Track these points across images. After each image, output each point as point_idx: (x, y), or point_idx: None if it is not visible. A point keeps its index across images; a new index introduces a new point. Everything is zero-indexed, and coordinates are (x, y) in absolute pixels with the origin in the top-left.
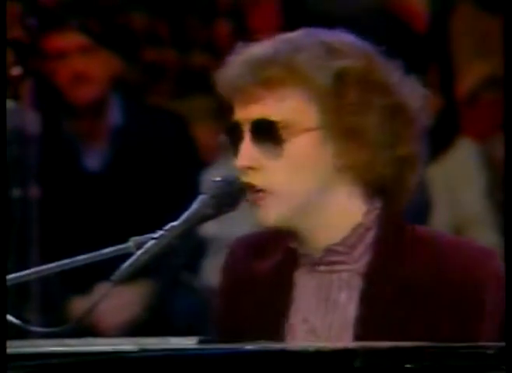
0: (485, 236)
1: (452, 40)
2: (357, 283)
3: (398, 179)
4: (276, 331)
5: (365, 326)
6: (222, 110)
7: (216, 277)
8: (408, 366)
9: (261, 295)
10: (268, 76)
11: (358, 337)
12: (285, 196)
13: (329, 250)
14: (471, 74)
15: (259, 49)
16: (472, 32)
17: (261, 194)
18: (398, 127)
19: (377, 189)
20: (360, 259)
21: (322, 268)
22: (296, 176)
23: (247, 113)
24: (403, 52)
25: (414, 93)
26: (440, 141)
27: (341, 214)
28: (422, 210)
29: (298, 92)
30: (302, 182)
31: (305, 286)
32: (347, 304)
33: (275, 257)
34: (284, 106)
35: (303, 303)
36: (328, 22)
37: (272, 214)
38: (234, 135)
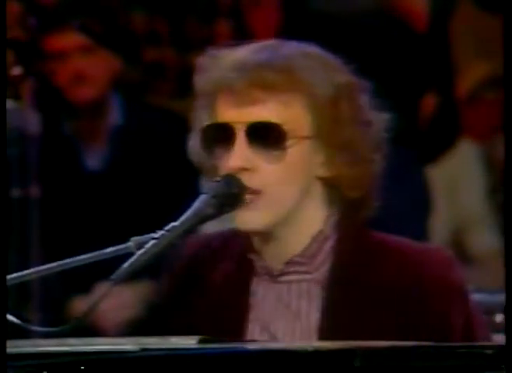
0: (486, 236)
1: (452, 41)
2: (317, 291)
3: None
4: (234, 336)
5: (328, 334)
6: None
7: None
8: (408, 366)
9: (216, 300)
10: (269, 79)
11: None
12: (275, 199)
13: (290, 262)
14: (472, 75)
15: (247, 52)
16: (472, 32)
17: (252, 195)
18: (371, 143)
19: (343, 197)
20: (320, 267)
21: (281, 279)
22: (286, 180)
23: (241, 115)
24: (403, 52)
25: (380, 115)
26: (440, 141)
27: (306, 221)
28: (422, 210)
29: (299, 100)
30: (291, 187)
31: (263, 295)
32: (309, 312)
33: (229, 264)
34: (285, 111)
35: (261, 312)
36: (328, 22)
37: (261, 216)
38: (220, 136)
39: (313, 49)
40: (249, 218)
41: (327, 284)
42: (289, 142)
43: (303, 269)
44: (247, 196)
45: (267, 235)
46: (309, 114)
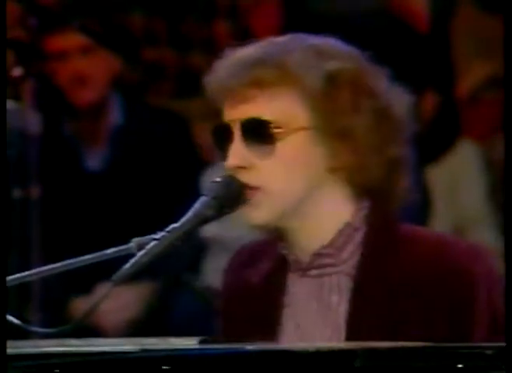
0: (486, 236)
1: (453, 41)
2: (346, 284)
3: (386, 180)
4: (270, 338)
5: (356, 327)
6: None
7: (217, 277)
8: (408, 366)
9: (254, 302)
10: (259, 76)
11: (350, 338)
12: (276, 195)
13: (318, 254)
14: (472, 75)
15: (247, 51)
16: (473, 32)
17: (252, 192)
18: (386, 130)
19: (365, 189)
20: (348, 260)
21: (312, 272)
22: (287, 175)
23: (236, 113)
24: (404, 52)
25: (400, 99)
26: (440, 141)
27: (328, 214)
28: (422, 210)
29: (289, 93)
30: (293, 181)
31: (297, 292)
32: (338, 306)
33: (268, 264)
34: (275, 106)
35: (295, 309)
36: (328, 22)
37: (263, 212)
38: (223, 136)
39: (309, 39)
40: (252, 215)
41: (356, 276)
42: (280, 136)
43: (330, 261)
44: (248, 194)
45: (284, 230)
46: (303, 106)
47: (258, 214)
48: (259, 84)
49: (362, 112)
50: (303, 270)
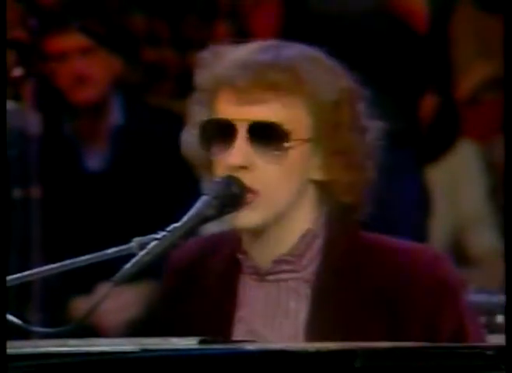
0: (486, 237)
1: (453, 41)
2: (305, 290)
3: (357, 196)
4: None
5: (316, 333)
6: None
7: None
8: (408, 366)
9: (204, 304)
10: (275, 80)
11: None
12: (271, 199)
13: (278, 261)
14: (473, 76)
15: (251, 51)
16: (473, 33)
17: (249, 195)
18: (366, 150)
19: (330, 198)
20: (308, 266)
21: (269, 278)
22: (284, 181)
23: (244, 113)
24: (403, 53)
25: (374, 123)
26: (440, 142)
27: (295, 221)
28: (422, 210)
29: (302, 103)
30: (287, 188)
31: (251, 296)
32: (298, 311)
33: (219, 266)
34: (288, 113)
35: (249, 312)
36: (328, 22)
37: (257, 215)
38: (219, 132)
39: (317, 52)
40: (245, 217)
41: (315, 283)
42: (290, 144)
43: (290, 267)
44: (246, 196)
45: (258, 234)
46: (310, 117)
47: (252, 216)
48: (273, 88)
49: (354, 130)
50: (261, 275)
